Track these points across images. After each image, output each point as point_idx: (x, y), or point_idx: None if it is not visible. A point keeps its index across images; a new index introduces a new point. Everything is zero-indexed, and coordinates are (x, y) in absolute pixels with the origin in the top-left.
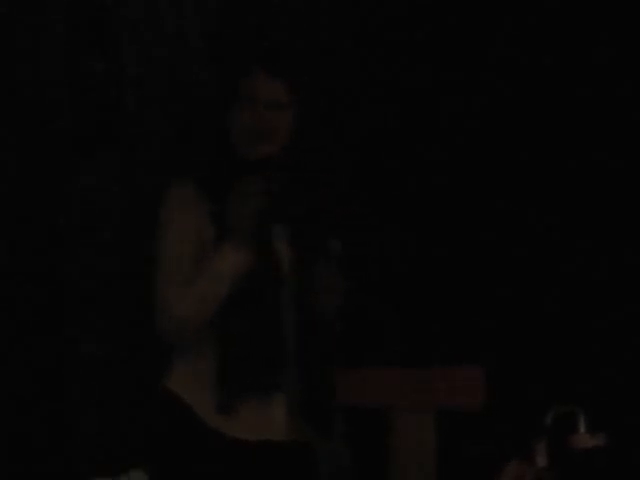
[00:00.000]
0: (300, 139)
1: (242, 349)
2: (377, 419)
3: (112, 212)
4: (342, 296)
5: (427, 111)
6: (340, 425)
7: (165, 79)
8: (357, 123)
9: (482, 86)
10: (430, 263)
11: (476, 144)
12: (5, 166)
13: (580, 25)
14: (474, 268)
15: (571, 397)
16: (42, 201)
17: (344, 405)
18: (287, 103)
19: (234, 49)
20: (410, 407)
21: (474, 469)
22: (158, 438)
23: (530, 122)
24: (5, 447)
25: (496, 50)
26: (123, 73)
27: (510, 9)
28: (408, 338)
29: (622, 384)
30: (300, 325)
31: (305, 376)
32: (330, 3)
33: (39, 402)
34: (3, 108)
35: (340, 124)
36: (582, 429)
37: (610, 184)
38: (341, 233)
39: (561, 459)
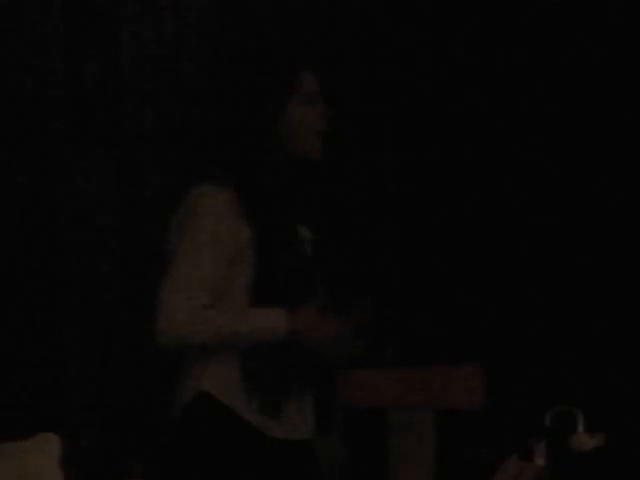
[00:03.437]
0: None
1: (286, 349)
2: (377, 419)
3: (111, 212)
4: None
5: (427, 111)
6: (340, 423)
7: (165, 79)
8: (357, 124)
9: (482, 86)
10: (430, 263)
11: (476, 144)
12: (4, 166)
13: (580, 25)
14: (474, 268)
15: (571, 397)
16: (41, 201)
17: (345, 404)
18: None
19: (282, 49)
20: (410, 407)
21: (474, 469)
22: (201, 441)
23: (530, 122)
24: None
25: (497, 50)
26: (122, 73)
27: (510, 9)
28: (408, 338)
29: (622, 384)
30: None
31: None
32: (330, 3)
33: (39, 403)
34: (2, 108)
35: (340, 124)
36: (581, 429)
37: (610, 184)
38: (341, 232)
39: (560, 459)
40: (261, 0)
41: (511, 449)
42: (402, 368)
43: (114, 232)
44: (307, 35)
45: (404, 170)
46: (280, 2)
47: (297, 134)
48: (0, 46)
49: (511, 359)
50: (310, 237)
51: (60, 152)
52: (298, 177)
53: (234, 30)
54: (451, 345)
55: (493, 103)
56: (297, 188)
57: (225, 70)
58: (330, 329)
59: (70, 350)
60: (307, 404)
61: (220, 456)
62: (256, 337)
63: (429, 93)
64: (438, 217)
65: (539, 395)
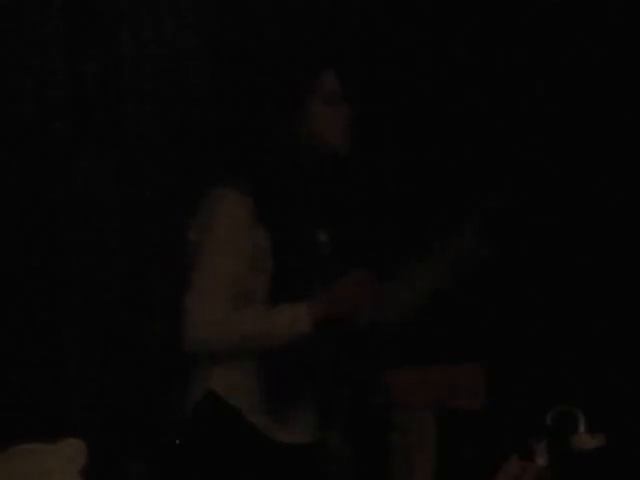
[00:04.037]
0: None
1: (298, 353)
2: (378, 418)
3: (111, 212)
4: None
5: (427, 111)
6: (341, 422)
7: (165, 79)
8: (357, 124)
9: (482, 86)
10: None
11: (476, 144)
12: (3, 166)
13: (580, 25)
14: (474, 268)
15: (571, 397)
16: (41, 201)
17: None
18: None
19: (305, 49)
20: (410, 406)
21: (474, 469)
22: (206, 440)
23: (530, 122)
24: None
25: (497, 50)
26: (122, 73)
27: (510, 9)
28: (408, 338)
29: (622, 384)
30: None
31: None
32: (330, 3)
33: (39, 403)
34: (2, 108)
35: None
36: (582, 429)
37: (610, 184)
38: (341, 231)
39: (562, 459)
40: (261, 0)
41: (511, 449)
42: (402, 368)
43: (114, 232)
44: (307, 35)
45: (404, 170)
46: (280, 2)
47: (319, 133)
48: (0, 46)
49: (511, 359)
50: (323, 239)
51: (60, 152)
52: (307, 178)
53: (236, 30)
54: (451, 345)
55: (493, 103)
56: (308, 189)
57: (242, 72)
58: (357, 291)
59: (70, 350)
60: (310, 408)
61: (223, 456)
62: (281, 334)
63: (429, 93)
64: (438, 217)
65: (539, 395)
